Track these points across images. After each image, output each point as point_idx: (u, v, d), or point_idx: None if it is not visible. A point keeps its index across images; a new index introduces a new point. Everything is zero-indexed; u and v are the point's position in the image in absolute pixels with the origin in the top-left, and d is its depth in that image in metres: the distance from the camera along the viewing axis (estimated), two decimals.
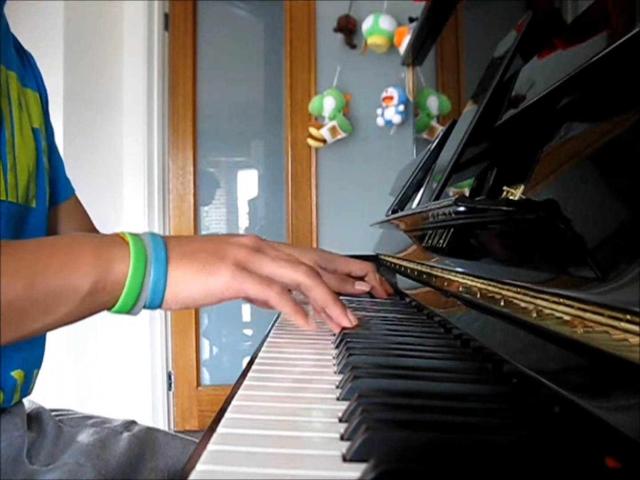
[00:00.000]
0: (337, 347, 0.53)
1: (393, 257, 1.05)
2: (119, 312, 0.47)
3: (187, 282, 0.47)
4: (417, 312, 0.75)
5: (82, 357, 2.03)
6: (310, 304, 0.59)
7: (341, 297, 0.77)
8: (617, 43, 0.36)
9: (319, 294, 0.53)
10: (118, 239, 0.47)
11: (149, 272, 0.46)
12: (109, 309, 0.47)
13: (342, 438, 0.30)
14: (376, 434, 0.27)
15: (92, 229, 0.83)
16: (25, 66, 0.71)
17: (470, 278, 0.53)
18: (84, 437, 0.67)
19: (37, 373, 0.67)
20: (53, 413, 0.71)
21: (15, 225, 0.62)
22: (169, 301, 0.47)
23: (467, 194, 0.69)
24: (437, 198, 0.66)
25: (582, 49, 0.45)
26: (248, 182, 2.53)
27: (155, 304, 0.47)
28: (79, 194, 0.84)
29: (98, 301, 0.45)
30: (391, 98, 2.13)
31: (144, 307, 0.47)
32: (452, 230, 0.68)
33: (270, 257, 0.51)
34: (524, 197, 0.47)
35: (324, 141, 2.23)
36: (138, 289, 0.46)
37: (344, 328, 0.58)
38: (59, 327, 0.45)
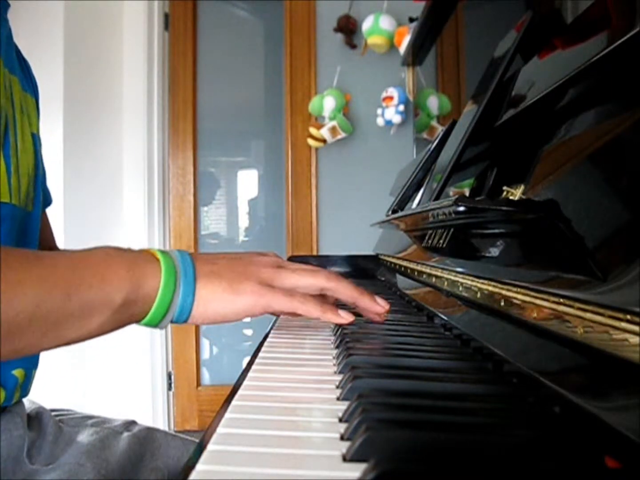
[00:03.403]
0: (337, 347, 0.53)
1: (393, 257, 1.05)
2: (148, 324, 0.49)
3: (215, 300, 0.49)
4: (417, 312, 0.75)
5: (82, 357, 2.03)
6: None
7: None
8: (617, 43, 0.36)
9: (344, 292, 0.56)
10: (149, 256, 0.49)
11: (179, 289, 0.48)
12: (138, 321, 0.49)
13: (342, 438, 0.30)
14: (376, 434, 0.27)
15: (55, 247, 0.83)
16: (24, 71, 0.71)
17: (470, 278, 0.53)
18: (84, 437, 0.67)
19: (35, 373, 0.68)
20: (53, 413, 0.71)
21: (19, 228, 0.62)
22: (196, 317, 0.50)
23: (467, 194, 0.69)
24: (437, 198, 0.66)
25: (582, 49, 0.45)
26: (248, 182, 2.53)
27: (182, 318, 0.49)
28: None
29: (129, 314, 0.47)
30: (391, 98, 2.13)
31: (172, 321, 0.50)
32: (452, 230, 0.68)
33: (291, 270, 0.54)
34: (524, 197, 0.47)
35: (324, 141, 2.23)
36: (167, 304, 0.48)
37: (343, 328, 0.58)
38: (91, 337, 0.46)
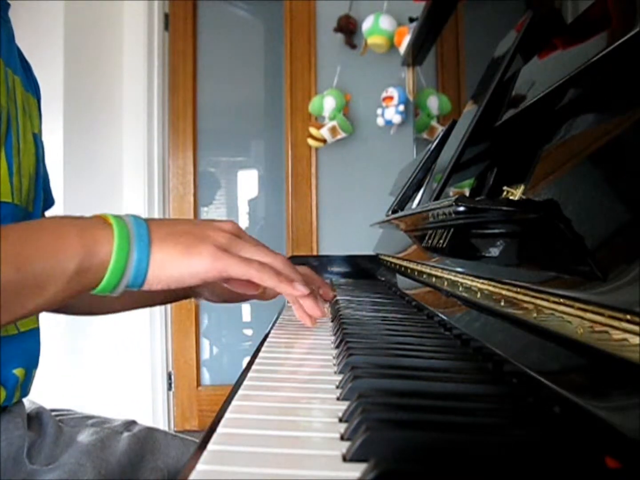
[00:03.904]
0: (337, 347, 0.53)
1: (393, 257, 1.05)
2: (103, 291, 0.48)
3: (170, 263, 0.49)
4: (417, 312, 0.75)
5: (82, 357, 2.03)
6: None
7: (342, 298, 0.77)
8: (617, 43, 0.36)
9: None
10: (101, 221, 0.48)
11: (132, 253, 0.47)
12: (93, 288, 0.48)
13: (342, 438, 0.30)
14: (376, 434, 0.27)
15: None
16: (26, 72, 0.71)
17: (470, 278, 0.53)
18: (84, 437, 0.67)
19: (35, 373, 0.68)
20: (53, 413, 0.71)
21: None
22: (151, 281, 0.49)
23: (467, 194, 0.69)
24: (437, 198, 0.66)
25: (582, 49, 0.45)
26: (248, 182, 2.53)
27: (137, 283, 0.48)
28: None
29: (84, 281, 0.46)
30: (391, 98, 2.13)
31: (127, 286, 0.49)
32: (452, 230, 0.68)
33: (250, 243, 0.54)
34: (524, 197, 0.48)
35: (324, 141, 2.23)
36: (122, 270, 0.47)
37: (343, 328, 0.58)
38: (49, 307, 0.46)
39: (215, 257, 0.50)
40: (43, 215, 0.75)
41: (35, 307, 0.45)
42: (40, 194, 0.69)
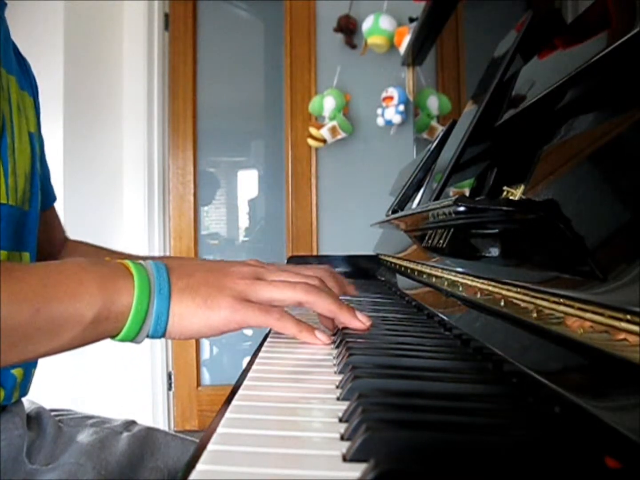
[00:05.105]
0: (337, 347, 0.53)
1: (393, 257, 1.05)
2: (123, 340, 0.48)
3: (189, 316, 0.48)
4: (417, 312, 0.75)
5: (82, 357, 2.03)
6: (318, 317, 0.60)
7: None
8: (617, 43, 0.36)
9: (323, 306, 0.54)
10: (123, 270, 0.48)
11: (152, 306, 0.47)
12: (113, 337, 0.48)
13: (342, 438, 0.30)
14: (376, 434, 0.27)
15: (65, 238, 0.83)
16: (23, 70, 0.71)
17: (470, 278, 0.53)
18: (84, 437, 0.67)
19: (34, 372, 0.68)
20: (53, 413, 0.71)
21: (15, 228, 0.62)
22: (172, 332, 0.49)
23: (467, 194, 0.69)
24: (437, 198, 0.66)
25: (582, 49, 0.45)
26: (248, 182, 2.53)
27: (158, 334, 0.49)
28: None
29: (101, 329, 0.46)
30: (391, 98, 2.13)
31: (147, 336, 0.49)
32: (452, 230, 0.68)
33: (268, 282, 0.53)
34: (524, 197, 0.48)
35: (324, 141, 2.23)
36: (141, 321, 0.47)
37: (343, 327, 0.58)
38: (63, 351, 0.46)
39: (234, 309, 0.49)
40: (42, 214, 0.75)
41: (48, 350, 0.45)
42: (37, 192, 0.69)
